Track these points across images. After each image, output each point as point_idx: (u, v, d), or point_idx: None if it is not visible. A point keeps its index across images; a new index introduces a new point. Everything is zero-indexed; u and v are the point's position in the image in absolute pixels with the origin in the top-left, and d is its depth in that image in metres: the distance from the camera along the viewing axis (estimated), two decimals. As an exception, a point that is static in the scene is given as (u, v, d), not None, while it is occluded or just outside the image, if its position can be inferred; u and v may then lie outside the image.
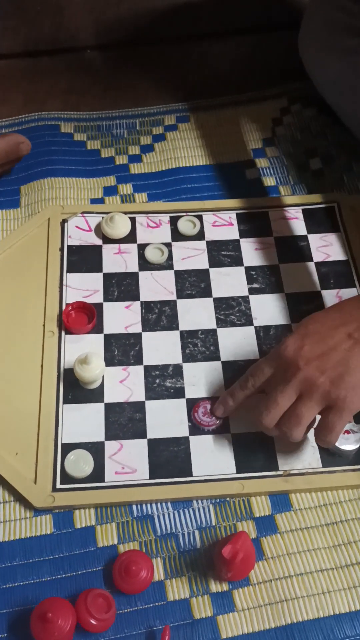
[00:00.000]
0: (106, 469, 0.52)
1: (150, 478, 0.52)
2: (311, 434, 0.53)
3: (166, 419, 0.55)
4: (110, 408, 0.55)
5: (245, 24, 0.91)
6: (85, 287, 0.62)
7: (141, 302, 0.62)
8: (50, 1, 0.92)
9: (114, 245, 0.65)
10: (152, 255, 0.65)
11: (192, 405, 0.56)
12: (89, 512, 0.51)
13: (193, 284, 0.63)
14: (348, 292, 0.63)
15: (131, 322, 0.61)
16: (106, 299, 0.62)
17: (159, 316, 0.61)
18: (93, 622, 0.45)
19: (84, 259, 0.64)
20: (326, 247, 0.66)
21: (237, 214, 0.68)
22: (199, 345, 0.59)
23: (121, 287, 0.63)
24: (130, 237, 0.66)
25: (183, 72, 0.85)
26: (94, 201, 0.70)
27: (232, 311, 0.61)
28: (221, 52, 0.88)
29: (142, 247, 0.65)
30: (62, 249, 0.65)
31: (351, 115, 0.71)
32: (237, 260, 0.65)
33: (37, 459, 0.52)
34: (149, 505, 0.51)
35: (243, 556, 0.45)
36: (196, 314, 0.61)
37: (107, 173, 0.73)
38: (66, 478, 0.52)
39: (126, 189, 0.71)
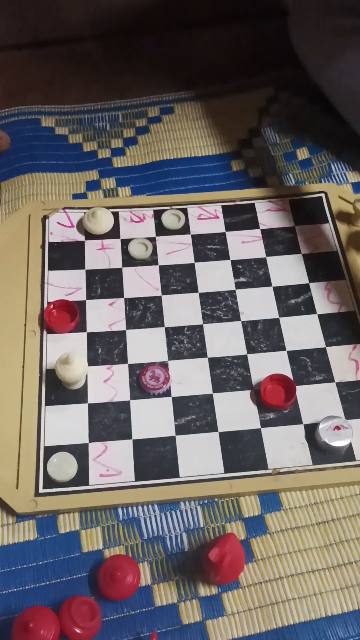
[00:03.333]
0: (90, 472, 0.51)
1: (136, 480, 0.51)
2: (297, 430, 0.52)
3: (152, 418, 0.54)
4: (94, 408, 0.54)
5: (230, 12, 0.89)
6: (67, 284, 0.61)
7: (125, 299, 0.60)
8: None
9: (97, 241, 0.64)
10: (136, 250, 0.63)
11: (179, 404, 0.54)
12: (73, 517, 0.50)
13: (178, 279, 0.62)
14: (337, 285, 0.61)
15: (115, 319, 0.59)
16: (89, 297, 0.60)
17: (144, 313, 0.59)
18: (78, 630, 0.43)
19: (65, 255, 0.63)
20: (314, 239, 0.64)
21: (222, 206, 0.67)
22: (185, 342, 0.58)
23: (104, 283, 0.61)
24: (113, 233, 0.64)
25: (166, 63, 0.83)
26: (76, 196, 0.68)
27: (218, 306, 0.60)
28: (206, 41, 0.86)
29: (125, 243, 0.64)
30: (43, 246, 0.63)
31: (345, 97, 0.69)
32: (223, 254, 0.63)
33: (18, 463, 0.51)
34: (135, 508, 0.50)
35: (231, 559, 0.44)
36: (182, 310, 0.60)
37: (90, 167, 0.71)
38: (49, 482, 0.50)
39: (109, 183, 0.70)
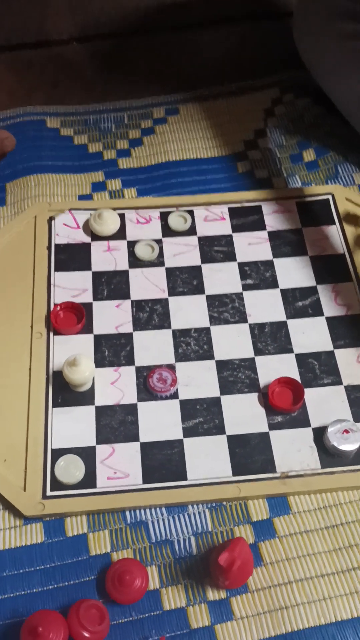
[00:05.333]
0: (98, 475, 0.50)
1: (144, 483, 0.50)
2: (306, 434, 0.52)
3: (159, 421, 0.53)
4: (101, 411, 0.54)
5: (235, 12, 0.89)
6: (73, 286, 0.60)
7: (132, 301, 0.60)
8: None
9: (103, 242, 0.64)
10: (142, 252, 0.63)
11: (186, 406, 0.54)
12: (81, 520, 0.49)
13: (185, 281, 0.61)
14: (344, 287, 0.61)
15: (122, 321, 0.59)
16: (95, 298, 0.60)
17: (151, 315, 0.59)
18: (86, 634, 0.43)
19: (72, 257, 0.62)
20: (321, 241, 0.64)
21: (229, 208, 0.66)
22: (192, 344, 0.57)
23: (111, 285, 0.61)
24: (120, 234, 0.64)
25: (172, 63, 0.83)
26: (81, 197, 0.68)
27: (225, 308, 0.60)
28: (211, 41, 0.86)
29: (132, 244, 0.63)
30: (49, 247, 0.63)
31: (348, 102, 0.69)
32: (230, 256, 0.63)
33: (26, 466, 0.51)
34: (142, 511, 0.50)
35: (240, 563, 0.43)
36: (189, 312, 0.59)
37: (95, 168, 0.71)
38: (56, 484, 0.50)
39: (115, 184, 0.70)
